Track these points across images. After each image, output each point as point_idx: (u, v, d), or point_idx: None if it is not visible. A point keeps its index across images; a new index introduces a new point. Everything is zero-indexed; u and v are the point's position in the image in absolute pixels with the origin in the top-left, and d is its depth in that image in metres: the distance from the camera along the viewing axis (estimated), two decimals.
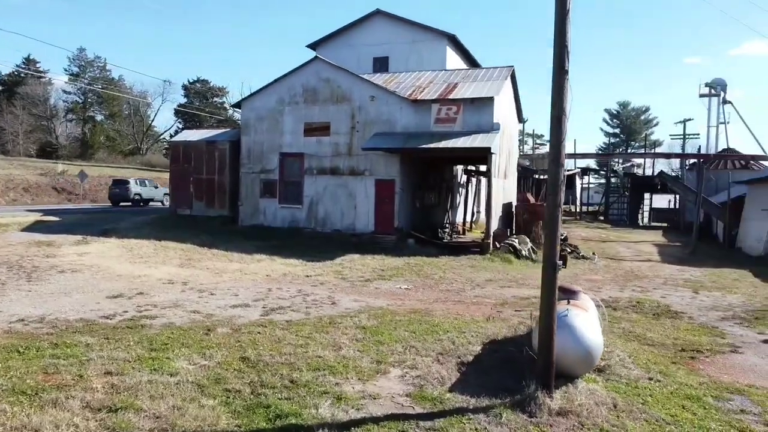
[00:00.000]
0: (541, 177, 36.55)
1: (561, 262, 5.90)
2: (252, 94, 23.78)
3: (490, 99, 20.26)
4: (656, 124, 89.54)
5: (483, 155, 20.22)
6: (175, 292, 11.92)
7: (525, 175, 27.70)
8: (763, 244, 26.56)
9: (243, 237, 21.13)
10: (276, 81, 23.18)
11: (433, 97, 21.00)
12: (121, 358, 7.15)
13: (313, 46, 31.84)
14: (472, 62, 32.41)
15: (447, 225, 28.33)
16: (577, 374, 6.78)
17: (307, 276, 14.94)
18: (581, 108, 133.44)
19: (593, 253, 23.98)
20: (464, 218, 31.12)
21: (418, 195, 23.80)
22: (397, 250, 20.02)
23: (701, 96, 65.09)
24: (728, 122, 61.37)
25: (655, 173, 72.97)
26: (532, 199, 25.77)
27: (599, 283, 16.82)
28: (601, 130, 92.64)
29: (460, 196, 31.68)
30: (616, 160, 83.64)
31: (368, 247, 20.41)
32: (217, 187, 24.69)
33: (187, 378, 6.61)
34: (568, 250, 23.58)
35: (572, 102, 6.09)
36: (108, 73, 67.99)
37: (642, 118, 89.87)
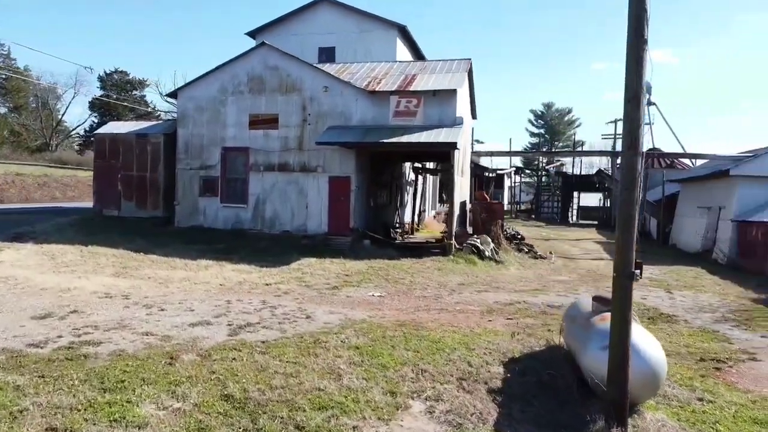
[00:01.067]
0: (490, 175, 36.34)
1: (638, 271, 4.86)
2: (190, 83, 21.73)
3: (453, 91, 19.35)
4: (579, 125, 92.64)
5: (446, 151, 19.27)
6: (117, 308, 10.10)
7: (475, 172, 27.23)
8: (701, 241, 27.19)
9: (182, 240, 19.13)
10: (218, 68, 21.26)
11: (392, 89, 19.84)
12: (67, 404, 5.51)
13: (252, 34, 29.92)
14: (420, 57, 31.53)
15: (397, 225, 27.33)
16: (639, 401, 5.79)
17: (267, 284, 13.39)
18: (507, 108, 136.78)
19: (550, 252, 23.70)
20: (412, 218, 30.22)
21: (372, 193, 22.58)
22: (354, 253, 18.73)
23: None
24: (653, 123, 64.30)
25: (582, 173, 75.73)
26: (487, 198, 25.14)
27: (571, 285, 16.25)
28: (527, 130, 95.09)
29: (407, 194, 30.76)
30: (541, 159, 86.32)
31: (322, 249, 19.01)
32: (149, 184, 22.41)
33: (160, 430, 5.09)
34: (525, 249, 23.19)
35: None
36: (13, 62, 62.18)
37: (566, 119, 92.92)
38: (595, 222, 65.42)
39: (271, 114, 20.83)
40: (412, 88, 19.65)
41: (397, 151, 21.50)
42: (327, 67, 22.25)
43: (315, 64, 22.23)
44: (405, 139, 18.28)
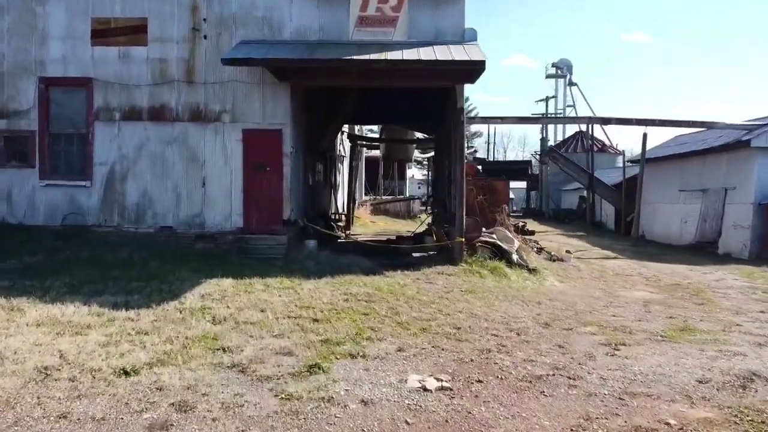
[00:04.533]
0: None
1: None
2: None
3: None
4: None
5: (447, 87, 11.75)
6: None
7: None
8: (695, 231, 22.46)
9: None
10: None
11: None
12: None
13: None
14: None
15: (335, 216, 19.48)
16: None
17: (126, 372, 5.08)
18: None
19: (567, 252, 17.13)
20: (349, 206, 22.48)
21: (309, 163, 14.55)
22: (298, 265, 10.85)
23: (548, 77, 64.41)
24: (575, 104, 61.25)
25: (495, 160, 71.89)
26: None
27: (683, 308, 9.54)
28: None
29: (339, 173, 22.99)
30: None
31: (237, 260, 11.06)
32: None
33: None
34: (536, 248, 16.43)
35: None
36: None
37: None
38: (519, 213, 61.39)
39: (133, 19, 12.16)
40: None
41: (363, 89, 13.63)
42: None
43: None
44: (395, 55, 10.44)
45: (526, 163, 61.11)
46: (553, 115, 60.17)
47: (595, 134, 48.59)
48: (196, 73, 12.17)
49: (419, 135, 25.36)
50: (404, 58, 10.39)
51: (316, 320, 7.10)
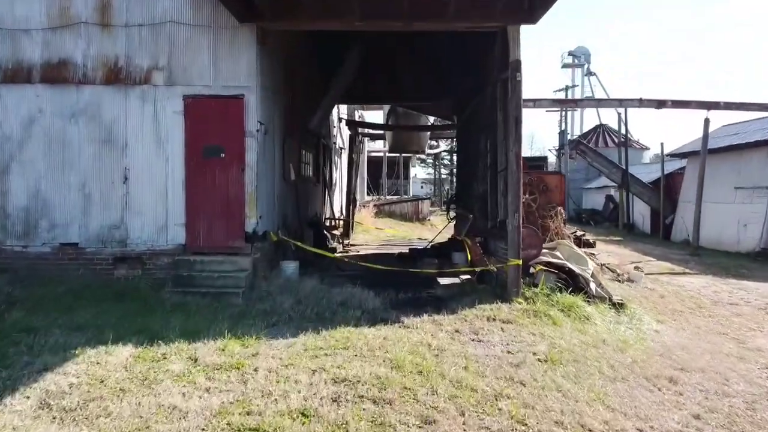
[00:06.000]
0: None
1: None
2: None
3: None
4: None
5: (492, 30, 7.77)
6: None
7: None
8: (762, 235, 18.75)
9: None
10: None
11: None
12: None
13: None
14: None
15: (330, 221, 15.46)
16: None
17: None
18: None
19: (636, 268, 13.08)
20: (348, 210, 18.48)
21: (291, 150, 10.50)
22: (265, 304, 7.00)
23: (564, 66, 60.16)
24: (594, 95, 57.06)
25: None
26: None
27: None
28: None
29: (336, 168, 19.02)
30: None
31: (167, 298, 7.10)
32: None
33: None
34: (597, 262, 12.41)
35: None
36: None
37: None
38: None
39: None
40: None
41: (369, 34, 9.69)
42: None
43: None
44: None
45: (543, 159, 56.88)
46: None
47: (615, 128, 44.64)
48: (114, 11, 8.16)
49: (432, 120, 21.44)
50: None
51: None
